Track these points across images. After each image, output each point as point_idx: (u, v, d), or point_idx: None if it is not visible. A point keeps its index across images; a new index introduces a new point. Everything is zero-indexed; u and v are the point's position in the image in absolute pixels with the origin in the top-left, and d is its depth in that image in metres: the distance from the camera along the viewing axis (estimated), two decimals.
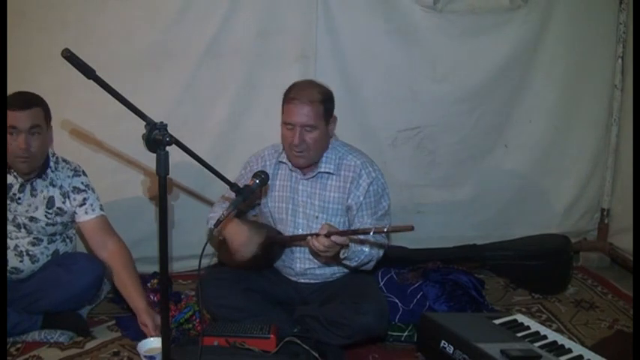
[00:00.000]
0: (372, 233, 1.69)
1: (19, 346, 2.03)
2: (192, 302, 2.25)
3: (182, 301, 2.31)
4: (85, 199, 2.16)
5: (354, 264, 1.97)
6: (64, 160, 2.19)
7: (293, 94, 1.97)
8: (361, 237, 1.90)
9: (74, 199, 2.15)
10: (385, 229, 1.66)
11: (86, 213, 2.16)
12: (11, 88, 2.22)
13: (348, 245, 1.87)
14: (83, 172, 2.20)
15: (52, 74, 2.35)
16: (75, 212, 2.16)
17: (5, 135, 2.00)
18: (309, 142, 1.95)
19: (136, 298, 2.08)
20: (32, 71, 2.39)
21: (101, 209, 2.20)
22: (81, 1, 2.38)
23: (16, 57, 2.29)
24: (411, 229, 1.62)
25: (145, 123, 1.26)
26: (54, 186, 2.12)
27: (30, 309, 2.08)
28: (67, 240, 2.25)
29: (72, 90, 2.37)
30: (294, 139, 1.94)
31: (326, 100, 1.98)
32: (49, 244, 2.15)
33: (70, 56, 1.11)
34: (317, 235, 1.81)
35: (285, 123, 1.99)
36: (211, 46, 2.50)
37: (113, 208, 2.60)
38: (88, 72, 1.15)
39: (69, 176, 2.16)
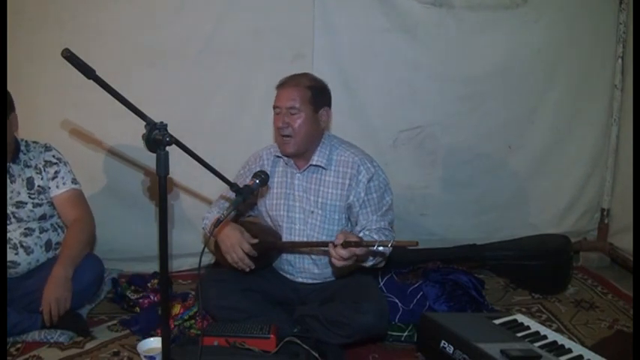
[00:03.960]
0: (375, 246, 1.68)
1: (19, 346, 2.03)
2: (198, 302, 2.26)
3: (189, 300, 2.32)
4: (56, 172, 2.18)
5: (370, 264, 1.95)
6: (34, 142, 2.22)
7: (282, 80, 2.03)
8: (370, 249, 1.83)
9: (47, 172, 2.17)
10: (389, 244, 1.65)
11: (57, 187, 2.18)
12: (9, 88, 2.22)
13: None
14: (55, 148, 2.23)
15: (51, 73, 2.36)
16: (49, 187, 2.18)
17: (5, 134, 2.00)
18: (294, 127, 1.96)
19: (57, 263, 2.05)
20: (30, 71, 2.40)
21: (73, 182, 2.21)
22: (77, 1, 2.39)
23: (14, 56, 2.30)
24: (416, 244, 1.63)
25: (144, 123, 1.26)
26: (29, 167, 2.15)
27: (30, 308, 2.08)
28: (59, 229, 2.26)
29: (70, 89, 2.37)
30: (278, 122, 1.97)
31: (314, 87, 2.00)
32: (40, 233, 2.17)
33: (70, 56, 1.11)
34: (322, 243, 1.79)
35: (273, 108, 2.02)
36: (207, 45, 2.50)
37: (113, 208, 2.62)
38: (88, 72, 1.15)
39: (41, 152, 2.19)
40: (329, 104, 2.07)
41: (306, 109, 1.97)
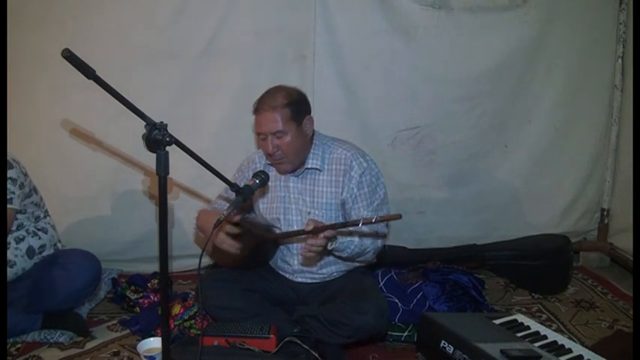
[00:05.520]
0: (360, 224, 1.66)
1: (19, 346, 2.03)
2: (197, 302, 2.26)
3: (189, 300, 2.32)
4: None
5: (346, 255, 1.96)
6: None
7: (257, 104, 1.99)
8: (351, 229, 1.86)
9: None
10: (373, 220, 1.63)
11: None
12: (9, 88, 2.23)
13: (335, 238, 1.84)
14: (9, 161, 2.00)
15: (51, 74, 2.36)
16: None
17: (5, 132, 1.99)
18: (283, 148, 1.95)
19: None
20: (30, 71, 2.40)
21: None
22: (78, 1, 2.39)
23: (14, 56, 2.30)
24: (399, 217, 1.62)
25: (144, 123, 1.27)
26: None
27: (29, 309, 2.08)
28: (40, 232, 2.15)
29: (71, 90, 2.37)
30: (268, 147, 1.96)
31: (292, 103, 1.96)
32: (18, 243, 2.07)
33: (69, 56, 1.11)
34: (304, 232, 1.79)
35: (257, 135, 2.01)
36: (209, 46, 2.50)
37: (113, 208, 2.62)
38: (88, 72, 1.15)
39: None
40: (309, 111, 2.04)
41: (291, 128, 1.95)
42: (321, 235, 1.76)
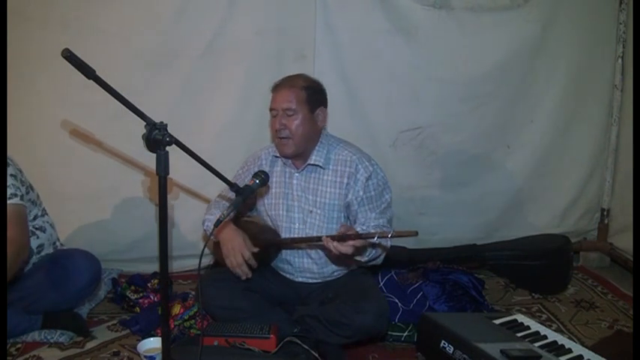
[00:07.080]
0: (375, 238, 1.69)
1: (19, 346, 2.03)
2: (197, 302, 2.26)
3: (189, 300, 2.32)
4: None
5: (366, 259, 1.96)
6: None
7: (276, 83, 2.04)
8: (364, 240, 1.86)
9: None
10: (389, 235, 1.66)
11: None
12: (10, 88, 2.23)
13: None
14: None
15: (52, 74, 2.36)
16: None
17: (5, 132, 1.99)
18: (291, 128, 1.97)
19: None
20: (31, 70, 2.40)
21: (11, 197, 1.93)
22: (80, 1, 2.38)
23: (16, 56, 2.30)
24: (415, 234, 1.64)
25: (144, 123, 1.27)
26: None
27: (29, 310, 2.08)
28: (38, 231, 2.13)
29: (71, 90, 2.37)
30: (275, 124, 1.98)
31: (309, 87, 2.01)
32: None
33: (70, 56, 1.11)
34: (317, 238, 1.80)
35: (270, 111, 2.03)
36: (209, 46, 2.50)
37: (113, 208, 2.62)
38: (88, 72, 1.15)
39: None
40: (325, 104, 2.07)
41: (303, 110, 1.98)
42: (350, 243, 1.77)
